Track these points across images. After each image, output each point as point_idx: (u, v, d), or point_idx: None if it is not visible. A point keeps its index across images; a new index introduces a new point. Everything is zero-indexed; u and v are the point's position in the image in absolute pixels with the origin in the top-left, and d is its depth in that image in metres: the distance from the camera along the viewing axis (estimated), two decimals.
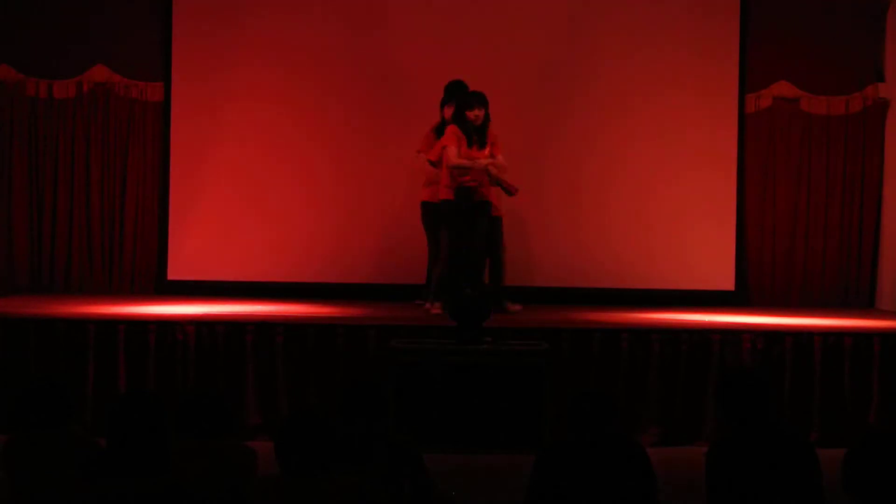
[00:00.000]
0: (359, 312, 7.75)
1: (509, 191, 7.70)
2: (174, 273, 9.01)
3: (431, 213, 7.80)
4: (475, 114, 7.51)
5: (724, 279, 8.96)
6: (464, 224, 7.58)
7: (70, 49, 9.01)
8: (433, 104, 8.20)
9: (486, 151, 7.59)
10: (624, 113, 8.82)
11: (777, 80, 9.15)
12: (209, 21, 9.01)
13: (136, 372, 6.89)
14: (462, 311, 6.72)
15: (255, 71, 8.97)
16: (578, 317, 7.87)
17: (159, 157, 9.08)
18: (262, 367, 6.94)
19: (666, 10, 9.03)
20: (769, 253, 9.21)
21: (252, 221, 8.94)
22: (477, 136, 7.57)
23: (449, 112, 7.72)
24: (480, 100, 7.55)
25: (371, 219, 8.76)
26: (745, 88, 9.12)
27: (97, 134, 9.08)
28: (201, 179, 8.98)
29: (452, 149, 7.45)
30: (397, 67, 8.97)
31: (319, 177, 8.91)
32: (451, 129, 7.54)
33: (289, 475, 3.38)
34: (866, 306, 9.04)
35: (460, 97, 7.64)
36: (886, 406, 7.00)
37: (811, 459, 3.76)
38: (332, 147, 8.88)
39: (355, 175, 8.75)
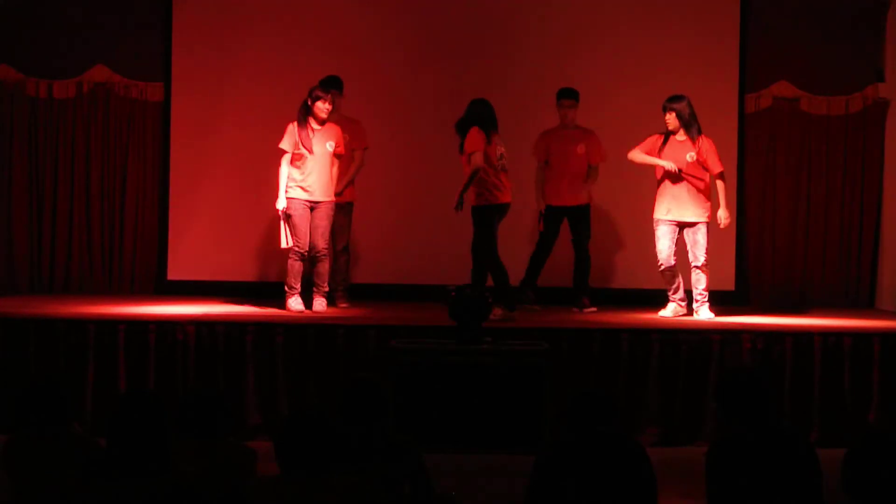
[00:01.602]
0: (359, 312, 7.76)
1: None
2: (174, 273, 9.02)
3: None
4: None
5: (724, 279, 8.95)
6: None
7: (70, 49, 9.01)
8: (431, 106, 8.23)
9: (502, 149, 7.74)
10: (624, 112, 8.81)
11: (777, 80, 9.15)
12: (209, 21, 9.02)
13: (136, 372, 6.89)
14: (462, 311, 6.72)
15: (256, 71, 8.98)
16: (578, 317, 7.88)
17: (159, 157, 9.09)
18: (262, 367, 6.94)
19: (665, 11, 9.04)
20: (769, 253, 9.21)
21: (252, 221, 8.93)
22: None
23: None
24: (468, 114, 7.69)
25: (370, 219, 8.76)
26: (745, 88, 9.12)
27: (97, 134, 9.08)
28: (201, 179, 8.98)
29: (479, 155, 7.51)
30: (396, 67, 8.98)
31: None
32: (476, 132, 7.55)
33: (289, 475, 3.38)
34: (866, 306, 9.04)
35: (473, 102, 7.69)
36: (886, 406, 7.01)
37: (811, 459, 3.76)
38: None
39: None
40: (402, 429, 6.19)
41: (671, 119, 7.65)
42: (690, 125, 7.64)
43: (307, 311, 7.58)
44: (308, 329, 7.05)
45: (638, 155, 7.78)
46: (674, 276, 7.73)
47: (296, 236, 7.56)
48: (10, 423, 4.24)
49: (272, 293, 8.01)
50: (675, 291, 7.75)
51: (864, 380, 7.03)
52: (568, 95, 8.31)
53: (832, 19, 9.07)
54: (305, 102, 7.60)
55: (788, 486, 3.69)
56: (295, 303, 7.59)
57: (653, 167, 7.75)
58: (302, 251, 7.58)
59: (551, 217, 8.34)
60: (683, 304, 7.77)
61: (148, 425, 3.36)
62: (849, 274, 9.16)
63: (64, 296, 8.64)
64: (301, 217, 7.56)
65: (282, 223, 7.56)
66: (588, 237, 8.37)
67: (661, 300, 8.13)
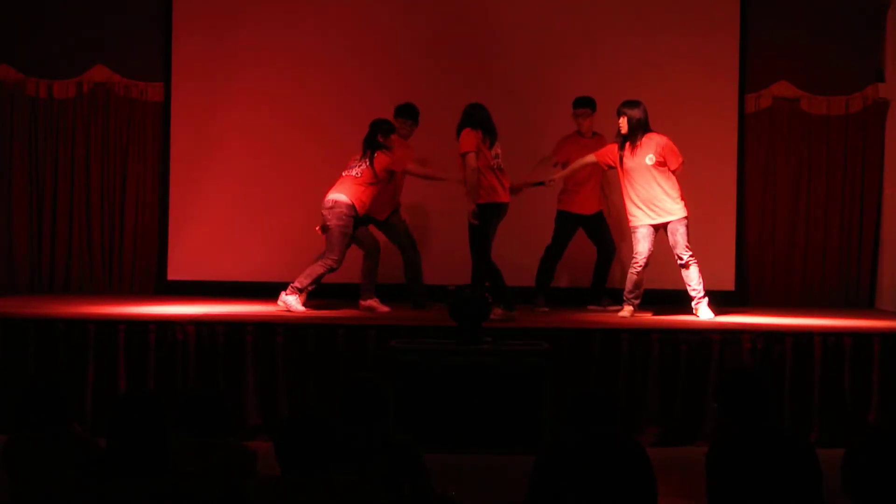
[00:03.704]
0: (359, 312, 7.76)
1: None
2: (174, 273, 9.02)
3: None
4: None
5: (724, 279, 8.95)
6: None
7: (70, 49, 9.01)
8: (431, 105, 8.22)
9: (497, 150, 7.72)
10: None
11: (777, 80, 9.15)
12: (209, 21, 9.02)
13: (136, 372, 6.89)
14: (462, 311, 6.72)
15: (256, 71, 8.98)
16: (578, 317, 7.88)
17: (159, 157, 9.09)
18: (262, 367, 6.94)
19: (666, 11, 9.04)
20: (769, 253, 9.21)
21: (252, 221, 8.93)
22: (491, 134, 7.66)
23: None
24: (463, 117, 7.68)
25: None
26: (745, 88, 9.12)
27: (97, 134, 9.08)
28: (201, 179, 8.98)
29: (472, 155, 7.51)
30: (397, 69, 8.98)
31: (319, 177, 8.88)
32: (467, 133, 7.54)
33: (289, 475, 3.38)
34: (866, 306, 9.04)
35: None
36: (886, 406, 7.00)
37: (811, 460, 3.76)
38: (332, 147, 8.86)
39: None
40: (402, 429, 6.19)
41: (623, 123, 7.66)
42: (636, 130, 7.64)
43: (306, 311, 7.60)
44: (308, 329, 7.05)
45: (577, 163, 8.00)
46: (643, 278, 7.75)
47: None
48: (10, 423, 4.24)
49: (272, 293, 8.00)
50: (639, 296, 7.77)
51: (864, 380, 7.02)
52: (581, 104, 8.36)
53: (832, 19, 9.07)
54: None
55: (788, 487, 3.69)
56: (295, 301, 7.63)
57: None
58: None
59: (566, 223, 8.38)
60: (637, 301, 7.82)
61: (148, 425, 3.36)
62: (849, 274, 9.16)
63: (64, 296, 8.64)
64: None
65: None
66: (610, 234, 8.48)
67: (661, 300, 8.14)
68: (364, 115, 8.51)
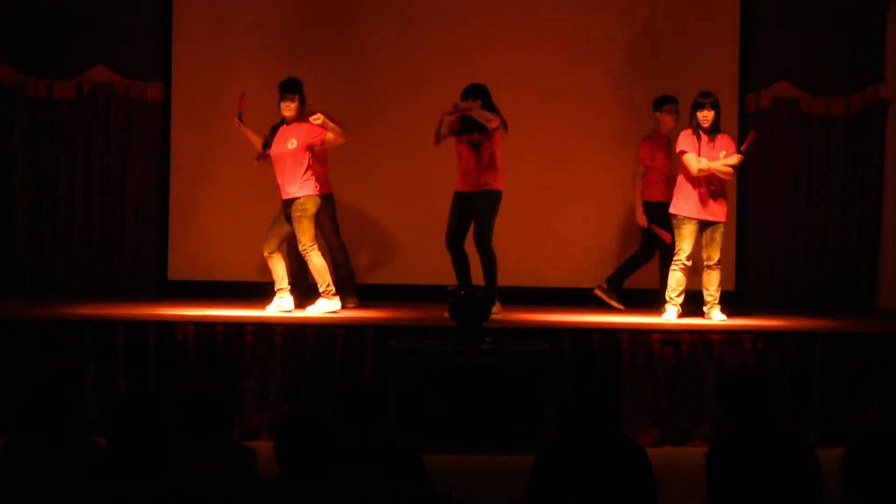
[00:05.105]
0: (359, 312, 7.76)
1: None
2: (174, 273, 9.01)
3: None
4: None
5: (725, 279, 8.92)
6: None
7: (70, 49, 9.00)
8: (433, 105, 8.21)
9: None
10: (623, 112, 8.82)
11: (777, 80, 9.13)
12: (209, 21, 9.01)
13: (136, 372, 6.89)
14: (462, 311, 6.72)
15: (256, 71, 8.97)
16: (578, 317, 7.87)
17: (159, 157, 9.08)
18: (261, 367, 6.94)
19: (665, 10, 9.04)
20: (769, 253, 9.20)
21: (252, 222, 8.92)
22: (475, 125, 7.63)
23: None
24: (469, 91, 7.60)
25: (370, 219, 8.76)
26: (745, 88, 9.11)
27: (97, 134, 9.07)
28: (201, 179, 8.98)
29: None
30: (400, 67, 8.97)
31: None
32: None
33: (289, 475, 3.38)
34: (866, 306, 9.02)
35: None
36: (886, 406, 7.01)
37: (811, 459, 3.76)
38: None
39: (354, 175, 8.76)
40: (402, 429, 6.20)
41: (710, 116, 7.49)
42: (719, 126, 7.57)
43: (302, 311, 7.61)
44: (307, 329, 7.06)
45: (706, 163, 7.43)
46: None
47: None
48: (10, 423, 4.24)
49: (272, 293, 8.01)
50: (682, 294, 7.67)
51: (864, 380, 7.03)
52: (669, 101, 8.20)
53: (832, 19, 9.06)
54: None
55: (788, 487, 3.70)
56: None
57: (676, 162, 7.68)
58: None
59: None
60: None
61: (148, 425, 3.36)
62: (849, 274, 9.15)
63: (64, 296, 8.63)
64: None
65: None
66: None
67: (661, 300, 8.13)
68: (368, 112, 8.53)
